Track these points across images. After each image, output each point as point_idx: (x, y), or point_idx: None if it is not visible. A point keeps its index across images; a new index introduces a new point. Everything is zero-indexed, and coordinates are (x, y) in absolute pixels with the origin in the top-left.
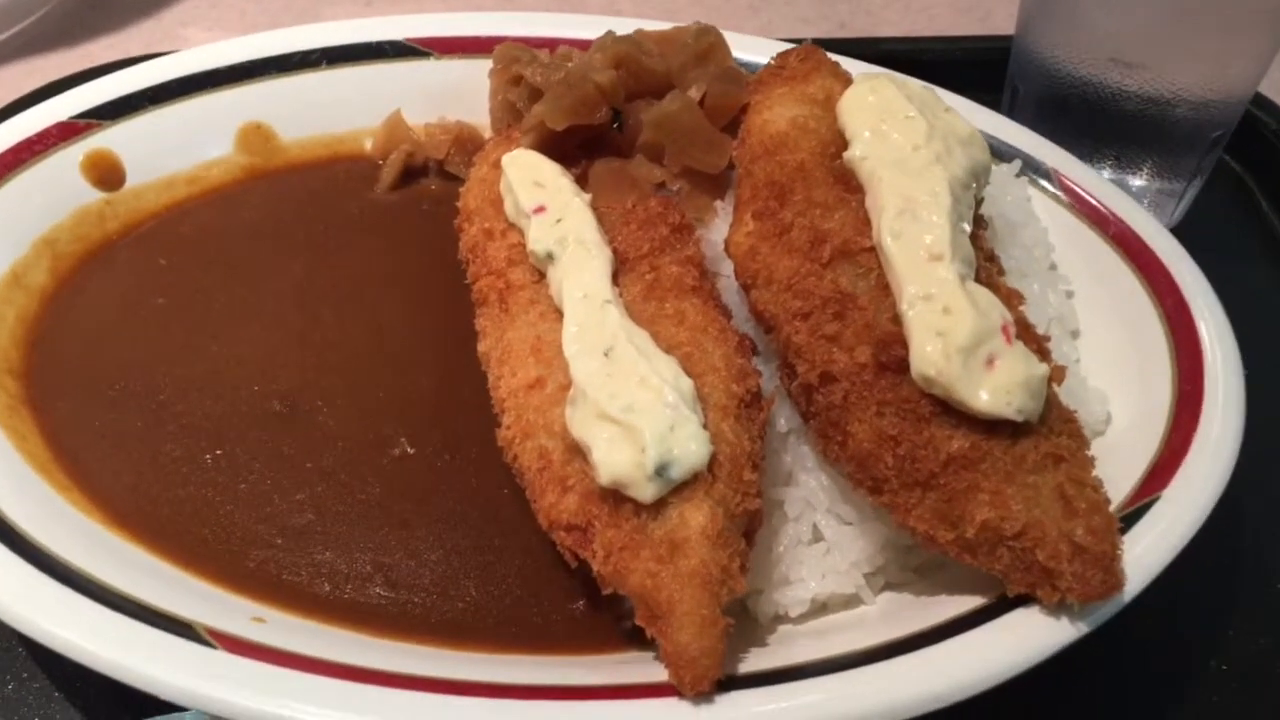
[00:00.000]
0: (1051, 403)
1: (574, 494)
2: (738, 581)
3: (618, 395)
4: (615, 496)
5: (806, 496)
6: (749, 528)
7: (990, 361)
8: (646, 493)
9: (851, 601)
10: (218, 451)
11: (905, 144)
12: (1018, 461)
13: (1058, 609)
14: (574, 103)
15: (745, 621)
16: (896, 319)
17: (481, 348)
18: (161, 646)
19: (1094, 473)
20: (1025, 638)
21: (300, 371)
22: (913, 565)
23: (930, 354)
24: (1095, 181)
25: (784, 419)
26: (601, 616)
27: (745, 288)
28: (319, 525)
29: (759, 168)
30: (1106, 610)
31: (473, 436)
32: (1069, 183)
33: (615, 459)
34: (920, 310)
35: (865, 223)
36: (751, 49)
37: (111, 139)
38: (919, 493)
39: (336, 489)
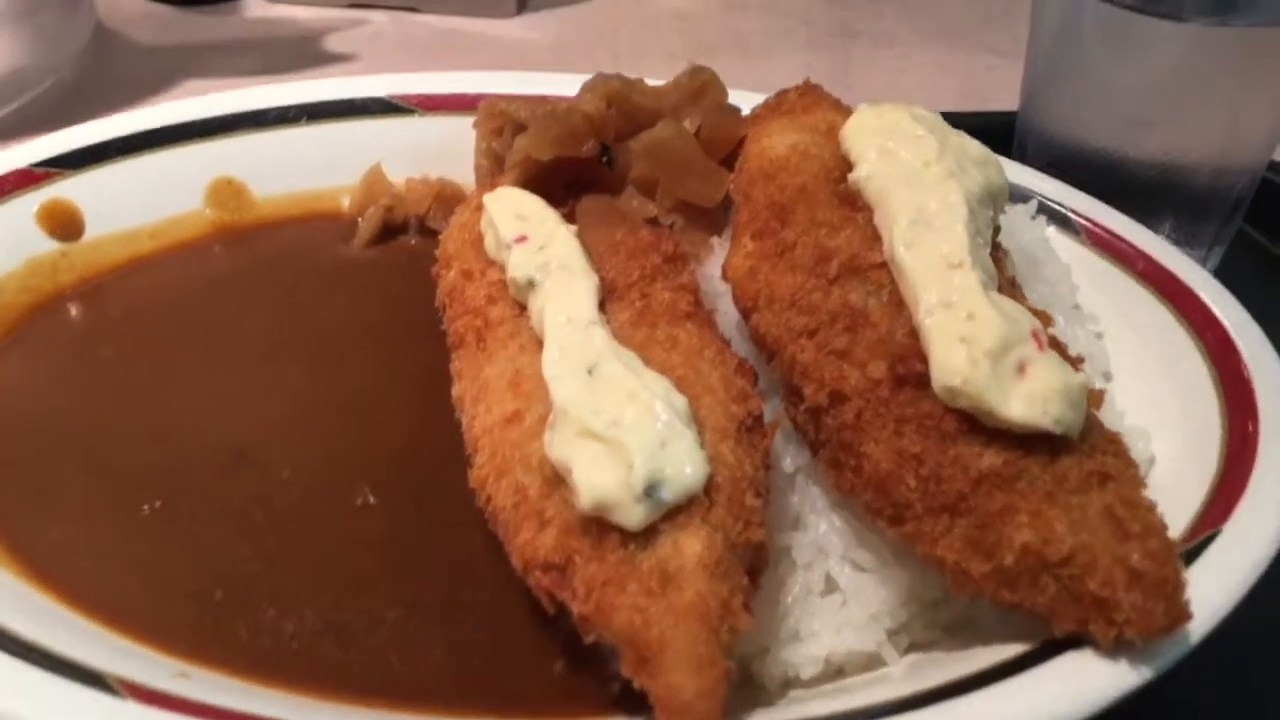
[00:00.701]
0: (1092, 422)
1: (552, 528)
2: (740, 619)
3: (602, 411)
4: (599, 527)
5: (817, 541)
6: (752, 565)
7: (1021, 368)
8: (634, 517)
9: (872, 662)
10: (157, 503)
11: (915, 160)
12: (1058, 480)
13: (1113, 651)
14: (560, 133)
15: (749, 689)
16: (913, 333)
17: (456, 391)
18: (56, 693)
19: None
20: (1077, 684)
21: (258, 422)
22: (941, 622)
23: (954, 362)
24: (1117, 220)
25: (789, 458)
26: (583, 679)
27: (745, 313)
28: (265, 579)
29: (758, 191)
30: (1172, 652)
31: (443, 487)
32: (1090, 221)
33: (598, 478)
34: (940, 318)
35: (874, 239)
36: (749, 102)
37: (72, 189)
38: (947, 519)
39: (287, 541)
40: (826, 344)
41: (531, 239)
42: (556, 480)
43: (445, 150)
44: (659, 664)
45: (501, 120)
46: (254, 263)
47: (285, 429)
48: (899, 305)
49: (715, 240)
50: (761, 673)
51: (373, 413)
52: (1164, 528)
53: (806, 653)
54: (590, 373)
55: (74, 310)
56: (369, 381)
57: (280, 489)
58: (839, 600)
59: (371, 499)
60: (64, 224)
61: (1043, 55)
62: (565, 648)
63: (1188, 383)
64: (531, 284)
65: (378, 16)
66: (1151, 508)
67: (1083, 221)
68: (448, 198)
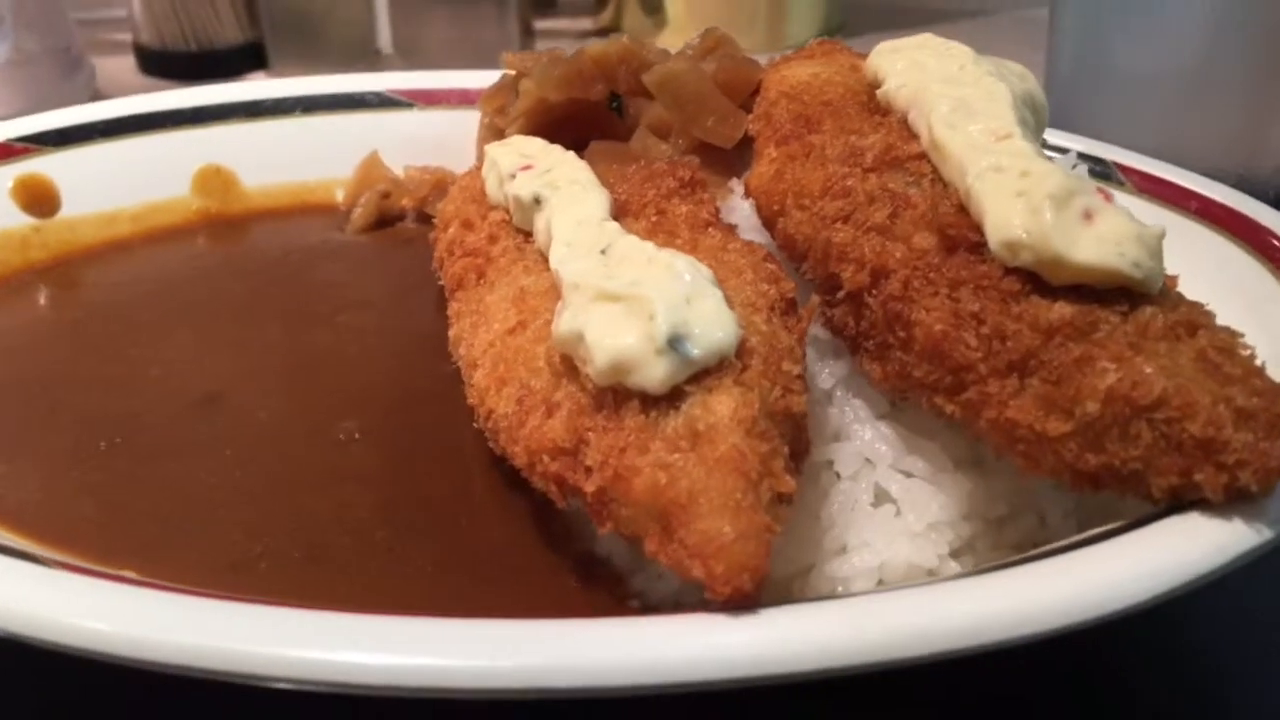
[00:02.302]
0: (1169, 286)
1: (561, 412)
2: (781, 480)
3: (619, 276)
4: (616, 399)
5: (861, 451)
6: (793, 445)
7: (1088, 215)
8: (656, 373)
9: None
10: (116, 440)
11: (950, 66)
12: (1141, 330)
13: (1227, 507)
14: (568, 72)
15: None
16: (961, 209)
17: (453, 333)
18: None
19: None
20: (1193, 539)
21: (230, 372)
22: (1009, 542)
23: (1013, 214)
24: (1160, 166)
25: (826, 372)
26: (599, 597)
27: (770, 221)
28: (231, 507)
29: (779, 110)
30: None
31: (436, 424)
32: (1134, 170)
33: (614, 335)
34: (992, 179)
35: (911, 137)
36: None
37: (50, 165)
38: (1015, 379)
39: (261, 474)
40: (865, 221)
41: (536, 167)
42: (566, 370)
43: (443, 144)
44: (689, 515)
45: (508, 95)
46: (240, 245)
47: (261, 378)
48: (943, 190)
49: (734, 183)
50: (804, 593)
51: (359, 365)
52: (1265, 373)
53: (857, 565)
54: (603, 252)
55: (43, 282)
56: (356, 339)
57: (254, 428)
58: (891, 511)
59: (357, 435)
60: (39, 199)
61: (1065, 59)
62: (577, 565)
63: (1257, 301)
64: (537, 201)
65: None
66: (1252, 355)
67: (1128, 169)
68: (447, 187)
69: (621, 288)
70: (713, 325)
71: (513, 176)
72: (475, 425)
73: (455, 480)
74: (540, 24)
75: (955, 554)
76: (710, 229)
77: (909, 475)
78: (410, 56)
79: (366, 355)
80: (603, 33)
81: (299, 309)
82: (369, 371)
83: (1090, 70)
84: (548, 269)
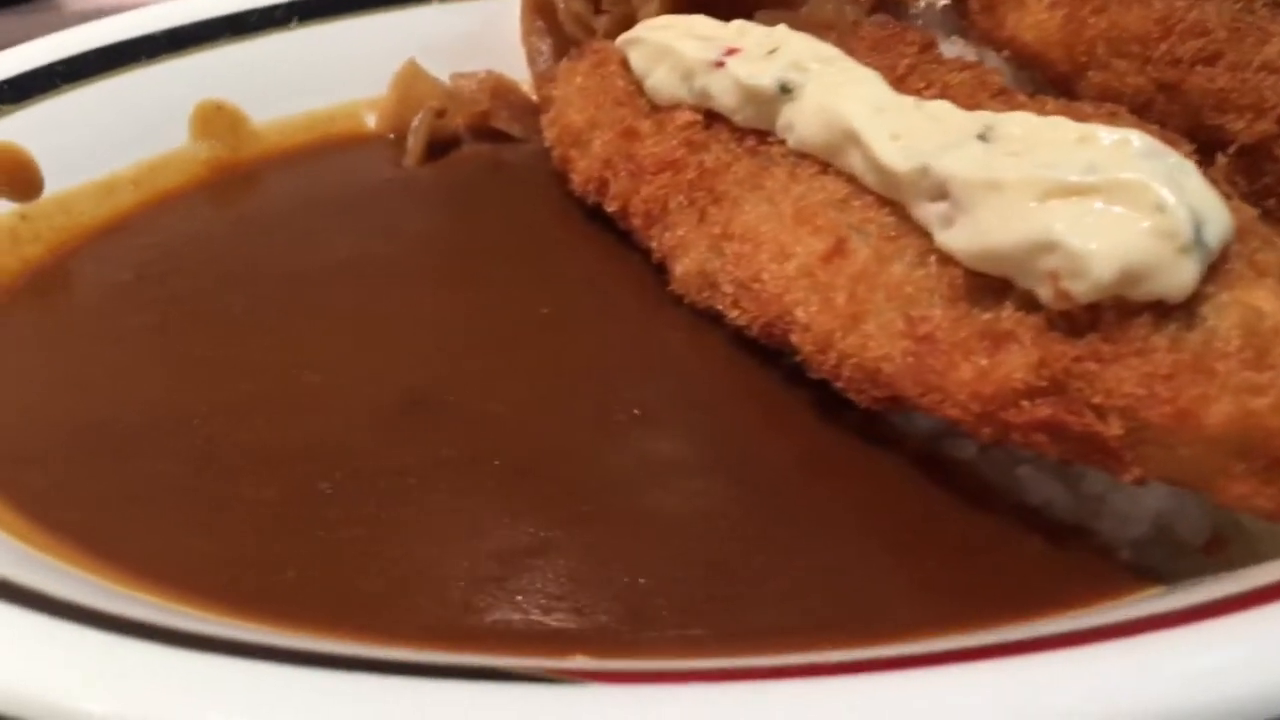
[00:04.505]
0: None
1: (1018, 344)
2: None
3: (1058, 163)
4: (1113, 316)
5: None
6: None
7: None
8: (1183, 275)
9: None
10: (337, 475)
11: None
12: None
13: None
14: None
15: None
16: None
17: (683, 268)
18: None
19: None
20: None
21: (409, 357)
22: None
23: None
24: None
25: None
26: (1077, 552)
27: (1072, 75)
28: (585, 537)
29: None
30: None
31: (722, 381)
32: None
33: (1118, 235)
34: None
35: None
36: None
37: (15, 130)
38: None
39: (561, 487)
40: (1243, 62)
41: (747, 49)
42: (982, 290)
43: (481, 42)
44: None
45: None
46: (285, 197)
47: (451, 360)
48: None
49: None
50: None
51: (559, 325)
52: None
53: None
54: (983, 137)
55: (53, 284)
56: (529, 293)
57: (504, 428)
58: None
59: (637, 411)
60: (14, 177)
61: None
62: (1022, 524)
63: None
64: (786, 89)
65: None
66: None
67: None
68: (506, 93)
69: (1083, 177)
70: (1212, 206)
71: (718, 65)
72: (812, 375)
73: (802, 449)
74: None
75: None
76: (1016, 95)
77: None
78: None
79: (560, 312)
80: None
81: (425, 267)
82: (576, 330)
83: None
84: (823, 172)
